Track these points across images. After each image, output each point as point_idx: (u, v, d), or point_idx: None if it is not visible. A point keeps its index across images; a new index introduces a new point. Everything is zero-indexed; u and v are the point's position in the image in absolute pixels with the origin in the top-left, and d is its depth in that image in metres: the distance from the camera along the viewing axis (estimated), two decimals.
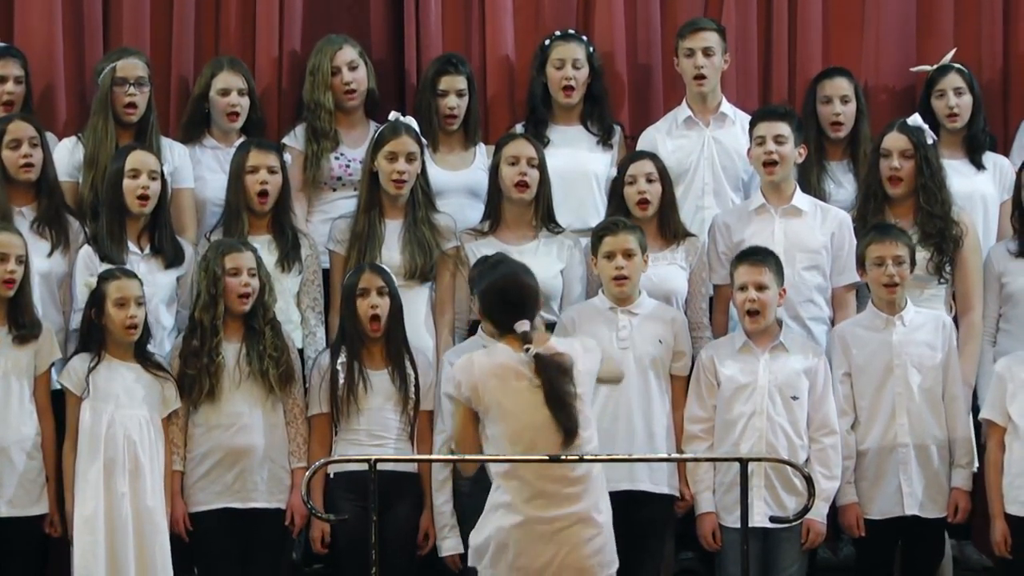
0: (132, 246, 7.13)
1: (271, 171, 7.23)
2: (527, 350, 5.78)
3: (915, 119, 7.37)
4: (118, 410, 6.75)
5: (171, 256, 7.18)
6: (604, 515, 5.87)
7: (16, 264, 6.79)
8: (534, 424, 5.78)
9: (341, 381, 6.87)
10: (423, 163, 7.34)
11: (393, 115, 7.41)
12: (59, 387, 6.91)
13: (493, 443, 5.85)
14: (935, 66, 7.90)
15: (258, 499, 6.90)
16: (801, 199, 7.37)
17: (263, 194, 7.21)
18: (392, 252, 7.22)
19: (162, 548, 6.73)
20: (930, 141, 7.32)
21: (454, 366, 5.99)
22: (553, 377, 5.78)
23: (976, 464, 7.05)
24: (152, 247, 7.17)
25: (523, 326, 5.83)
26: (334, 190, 7.68)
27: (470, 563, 5.95)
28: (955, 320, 7.26)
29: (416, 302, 7.19)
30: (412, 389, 6.92)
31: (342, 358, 6.89)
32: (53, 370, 6.92)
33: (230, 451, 6.86)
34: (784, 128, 7.26)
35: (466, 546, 6.76)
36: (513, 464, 5.80)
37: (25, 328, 6.82)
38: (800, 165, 7.58)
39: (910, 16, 8.28)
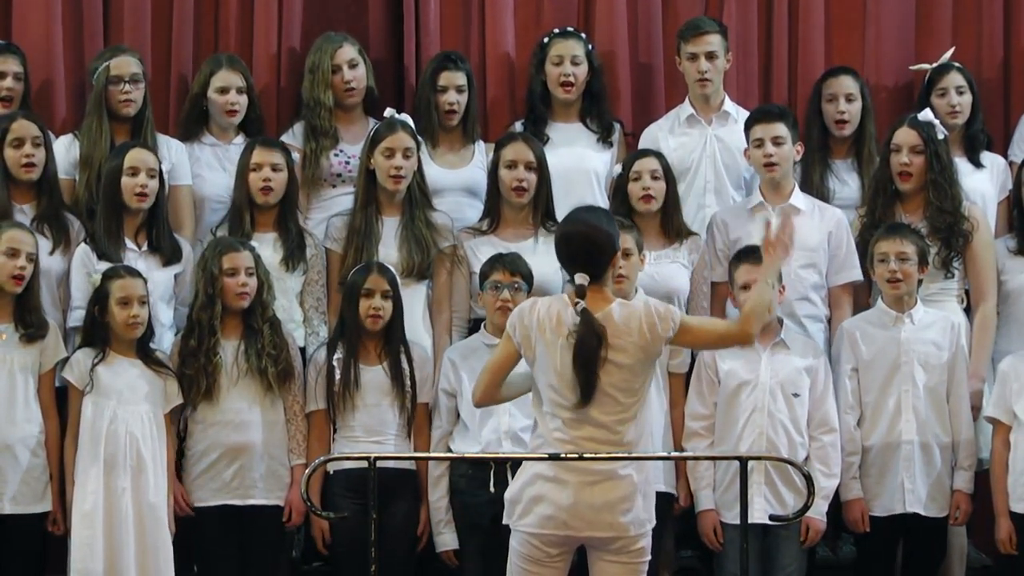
0: (129, 243, 7.14)
1: (275, 168, 7.24)
2: (577, 304, 5.72)
3: (926, 114, 7.36)
4: (120, 406, 6.77)
5: (169, 254, 7.18)
6: (642, 475, 5.82)
7: (26, 261, 6.81)
8: (563, 378, 5.73)
9: (337, 377, 6.87)
10: (419, 160, 7.33)
11: (389, 112, 7.42)
12: (61, 385, 6.91)
13: (538, 397, 5.81)
14: (934, 65, 7.89)
15: (257, 496, 6.91)
16: (799, 197, 7.36)
17: (266, 189, 7.21)
18: (389, 249, 7.22)
19: (164, 544, 6.74)
20: (940, 136, 7.31)
21: (518, 307, 5.91)
22: (588, 337, 5.70)
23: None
24: (149, 245, 7.17)
25: (581, 279, 5.74)
26: (333, 187, 7.68)
27: (504, 520, 5.87)
28: (967, 312, 7.29)
29: (413, 300, 7.17)
30: (408, 384, 6.92)
31: (338, 354, 6.90)
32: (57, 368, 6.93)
33: (229, 448, 6.87)
34: (781, 129, 7.26)
35: (460, 542, 6.82)
36: (553, 420, 5.74)
37: (33, 327, 6.84)
38: (804, 163, 7.58)
39: (910, 15, 8.27)
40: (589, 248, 5.79)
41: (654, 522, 5.88)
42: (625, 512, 5.76)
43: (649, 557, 5.88)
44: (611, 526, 5.76)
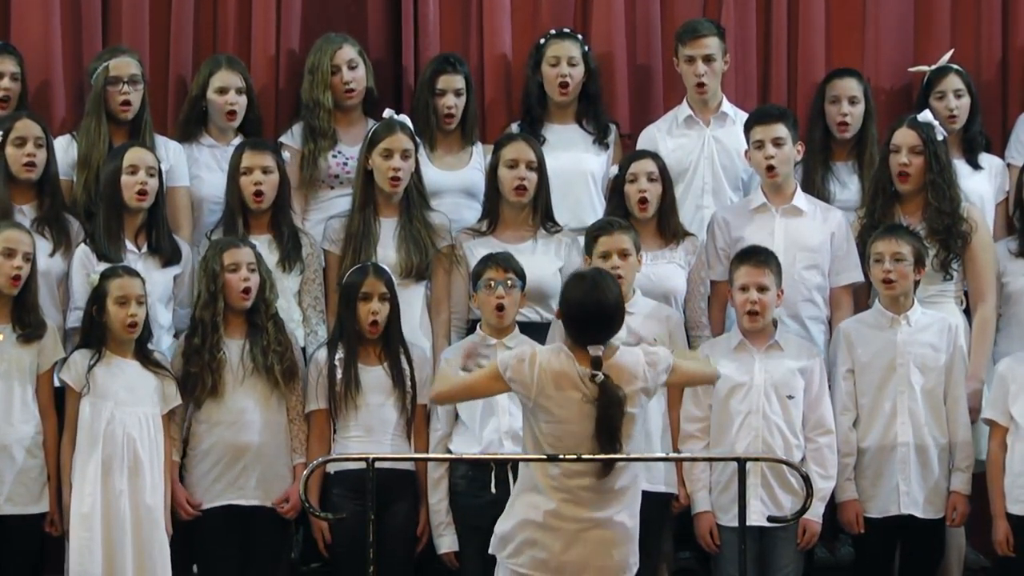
0: (129, 245, 7.14)
1: (265, 171, 7.23)
2: (593, 376, 5.77)
3: (925, 115, 7.36)
4: (118, 407, 6.76)
5: (168, 255, 7.18)
6: (633, 520, 5.92)
7: (23, 261, 6.80)
8: (582, 434, 5.80)
9: (338, 377, 6.87)
10: (417, 161, 7.33)
11: (387, 113, 7.42)
12: (59, 385, 6.91)
13: (534, 438, 5.86)
14: (933, 67, 7.89)
15: (260, 496, 6.90)
16: (801, 199, 7.37)
17: (258, 194, 7.21)
18: (388, 250, 7.22)
19: (161, 546, 6.74)
20: (940, 137, 7.32)
21: (514, 350, 5.96)
22: (610, 406, 5.77)
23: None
24: (149, 246, 7.17)
25: (597, 351, 5.80)
26: (332, 188, 7.68)
27: (492, 551, 5.94)
28: (966, 314, 7.29)
29: (411, 301, 7.19)
30: (409, 384, 6.92)
31: (339, 354, 6.89)
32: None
33: (233, 448, 6.88)
34: (781, 130, 7.26)
35: (461, 544, 6.81)
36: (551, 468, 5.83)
37: (30, 327, 6.83)
38: (805, 165, 7.58)
39: (909, 16, 8.27)
40: (611, 322, 5.88)
41: (638, 565, 5.95)
42: (616, 558, 5.86)
43: None
44: (601, 571, 5.85)
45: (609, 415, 5.77)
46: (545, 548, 5.81)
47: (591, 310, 5.86)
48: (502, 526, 5.92)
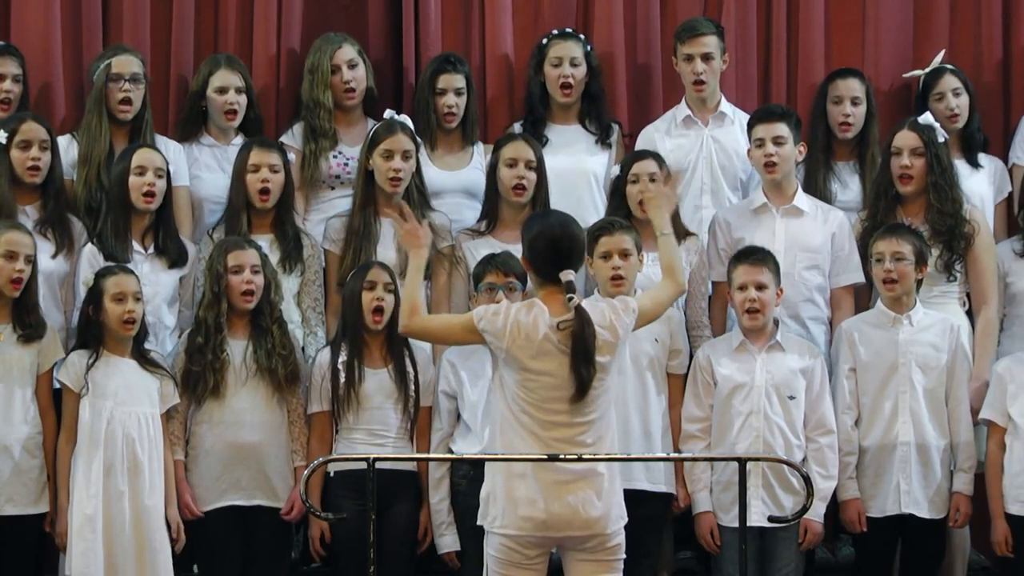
0: (136, 245, 7.14)
1: (273, 169, 7.23)
2: (570, 299, 5.79)
3: (926, 117, 7.37)
4: (117, 407, 6.75)
5: (174, 256, 7.19)
6: (611, 470, 5.89)
7: (24, 263, 6.80)
8: (555, 382, 5.80)
9: (342, 379, 6.87)
10: (418, 162, 7.33)
11: (388, 113, 7.43)
12: (59, 386, 6.90)
13: (504, 387, 5.85)
14: (927, 69, 7.90)
15: (261, 497, 6.90)
16: (802, 199, 7.37)
17: (264, 192, 7.21)
18: (388, 251, 7.23)
19: (163, 546, 6.73)
20: (941, 139, 7.32)
21: (488, 307, 5.96)
22: (585, 332, 5.79)
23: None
24: (156, 247, 7.17)
25: (568, 275, 5.84)
26: (332, 188, 7.68)
27: (479, 521, 5.93)
28: (969, 315, 7.30)
29: None
30: (412, 387, 6.92)
31: (343, 356, 6.89)
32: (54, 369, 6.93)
33: (234, 448, 6.87)
34: (783, 129, 7.27)
35: (462, 544, 6.81)
36: (524, 418, 5.81)
37: (31, 328, 6.82)
38: (806, 165, 7.59)
39: (908, 17, 8.28)
40: (579, 247, 5.95)
41: (626, 519, 5.92)
42: (600, 509, 5.82)
43: (624, 556, 5.91)
44: (587, 524, 5.82)
45: (583, 338, 5.78)
46: (529, 503, 5.78)
47: (557, 234, 5.91)
48: (484, 490, 5.90)
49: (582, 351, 5.78)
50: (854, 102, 7.74)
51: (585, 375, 5.78)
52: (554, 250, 5.89)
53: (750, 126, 7.39)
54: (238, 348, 6.90)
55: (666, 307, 6.18)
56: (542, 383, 5.80)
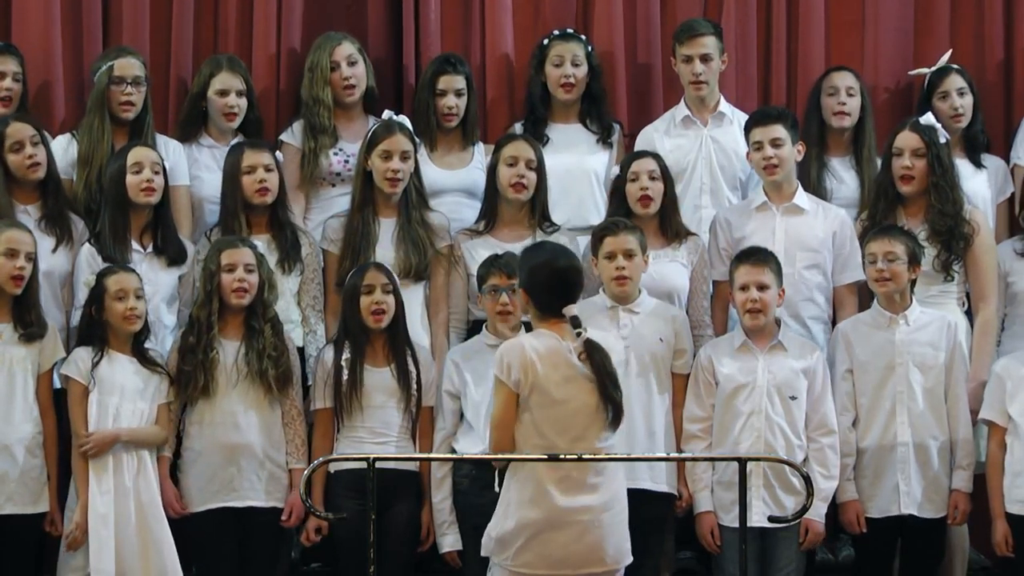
0: (135, 244, 7.14)
1: (267, 169, 7.23)
2: (579, 334, 5.84)
3: (928, 118, 7.38)
4: (123, 403, 6.77)
5: (173, 255, 7.18)
6: (623, 502, 5.97)
7: (25, 261, 6.80)
8: (585, 410, 5.85)
9: (344, 378, 6.87)
10: (416, 162, 7.33)
11: (387, 114, 7.43)
12: (59, 387, 6.90)
13: (528, 428, 5.88)
14: (932, 68, 7.90)
15: (255, 498, 6.89)
16: (803, 198, 7.37)
17: (263, 191, 7.20)
18: (386, 251, 7.22)
19: (168, 540, 6.74)
20: (942, 140, 7.33)
21: (501, 348, 5.97)
22: (604, 360, 5.85)
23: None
24: (155, 246, 7.17)
25: (572, 310, 5.88)
26: (333, 185, 7.68)
27: (486, 553, 5.96)
28: (968, 315, 7.30)
29: (411, 301, 7.16)
30: (414, 386, 6.92)
31: (346, 354, 6.89)
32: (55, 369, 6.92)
33: (226, 449, 6.86)
34: (780, 130, 7.27)
35: (464, 543, 6.81)
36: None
37: (32, 327, 6.83)
38: (801, 161, 7.57)
39: (909, 16, 8.28)
40: (579, 280, 6.01)
41: (629, 553, 6.03)
42: (614, 544, 5.93)
43: None
44: (603, 561, 5.91)
45: (606, 366, 5.85)
46: (548, 544, 5.83)
47: (561, 267, 5.95)
48: (499, 529, 5.93)
49: (608, 377, 5.86)
50: (849, 92, 7.75)
51: (616, 398, 5.87)
52: (556, 282, 5.93)
53: (747, 130, 7.39)
54: (231, 349, 6.90)
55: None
56: (569, 412, 5.85)
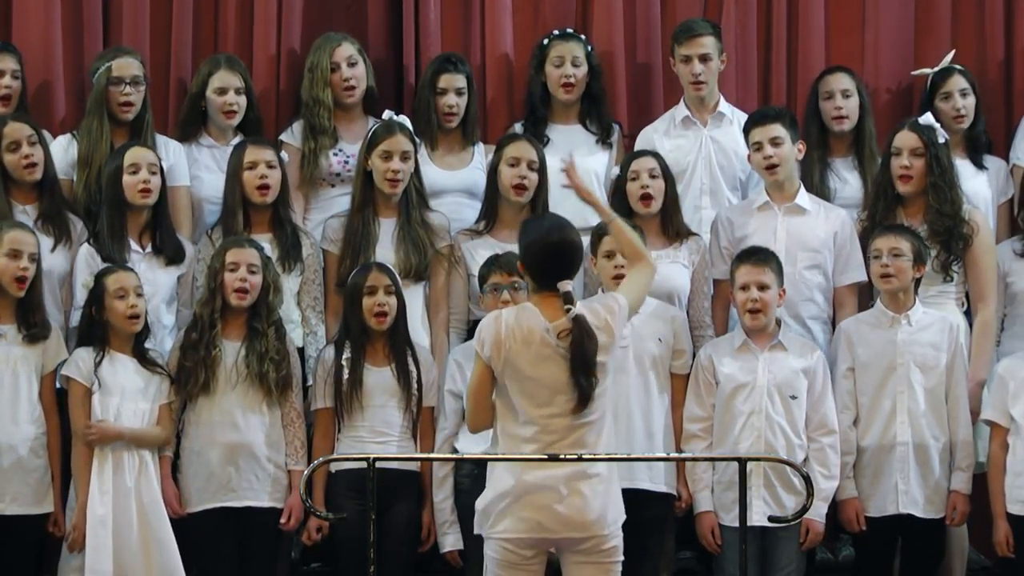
0: (133, 244, 7.13)
1: (269, 166, 7.23)
2: (568, 310, 5.77)
3: (927, 118, 7.37)
4: (124, 403, 6.77)
5: (172, 255, 7.18)
6: (610, 469, 5.88)
7: (29, 262, 6.80)
8: (554, 386, 5.78)
9: (345, 377, 6.86)
10: (416, 162, 7.33)
11: (387, 114, 7.42)
12: (60, 387, 6.90)
13: (503, 399, 5.83)
14: (936, 68, 7.90)
15: (254, 498, 6.89)
16: (804, 198, 7.37)
17: (264, 188, 7.20)
18: (386, 251, 7.22)
19: (169, 540, 6.74)
20: (942, 140, 7.32)
21: (481, 322, 5.94)
22: (585, 341, 5.76)
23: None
24: (153, 246, 7.17)
25: (566, 286, 5.80)
26: (333, 186, 7.68)
27: (477, 529, 5.91)
28: (968, 315, 7.30)
29: (411, 301, 7.15)
30: (415, 386, 6.92)
31: (347, 354, 6.90)
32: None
33: (225, 449, 6.86)
34: (778, 130, 7.26)
35: (466, 543, 6.81)
36: (526, 429, 5.80)
37: (36, 327, 6.83)
38: (803, 163, 7.58)
39: (909, 16, 8.28)
40: (575, 255, 5.92)
41: (623, 518, 5.90)
42: (597, 511, 5.80)
43: (622, 558, 5.88)
44: (584, 526, 5.79)
45: (583, 349, 5.76)
46: (527, 506, 5.77)
47: (555, 241, 5.87)
48: (482, 501, 5.89)
49: (582, 362, 5.76)
50: (844, 94, 7.74)
51: (585, 385, 5.76)
52: (551, 256, 5.87)
53: (746, 131, 7.38)
54: (232, 349, 6.90)
55: (647, 290, 6.11)
56: (544, 389, 5.78)
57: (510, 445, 5.84)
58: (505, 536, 5.80)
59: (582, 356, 5.76)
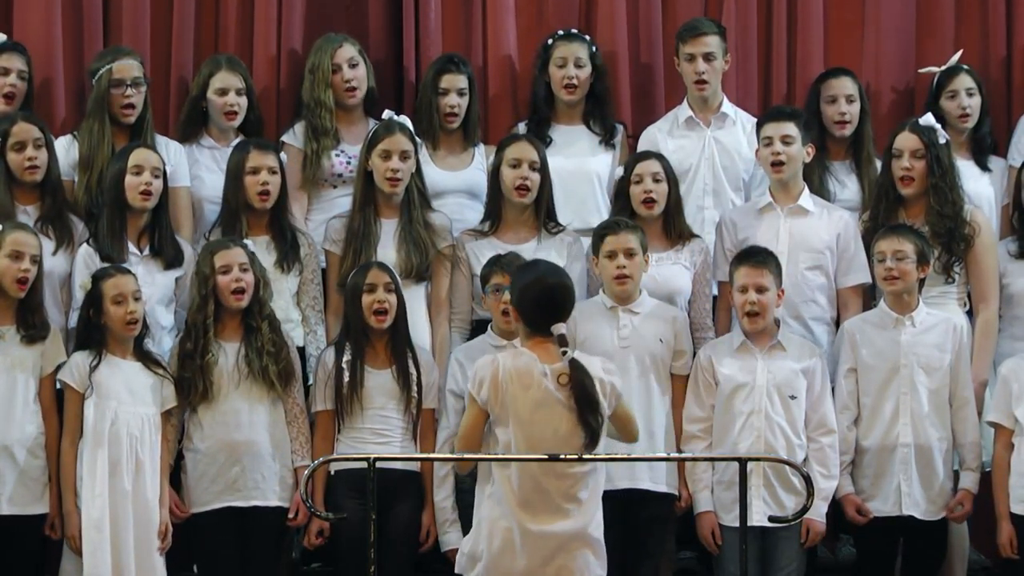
0: (131, 246, 7.13)
1: (271, 171, 7.23)
2: (564, 353, 5.83)
3: (927, 119, 7.36)
4: (120, 407, 6.76)
5: (170, 257, 7.18)
6: (598, 531, 5.96)
7: (30, 263, 6.80)
8: (555, 437, 5.85)
9: (346, 379, 6.86)
10: (418, 162, 7.33)
11: (387, 114, 7.42)
12: (59, 388, 6.90)
13: (501, 450, 5.89)
14: (943, 67, 7.88)
15: (259, 497, 6.89)
16: (808, 199, 7.36)
17: (264, 194, 7.21)
18: (388, 251, 7.22)
19: (156, 546, 6.74)
20: (942, 141, 7.31)
21: (477, 364, 6.00)
22: (586, 382, 5.86)
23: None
24: (152, 248, 7.16)
25: (560, 329, 5.88)
26: (334, 187, 7.69)
27: (459, 569, 5.99)
28: (970, 315, 7.28)
29: (413, 301, 7.15)
30: (415, 388, 6.92)
31: (347, 356, 6.89)
32: None
33: (230, 448, 6.86)
34: (791, 128, 7.26)
35: None
36: (515, 472, 5.86)
37: (35, 328, 6.83)
38: (803, 166, 7.57)
39: (910, 16, 8.28)
40: (568, 299, 6.01)
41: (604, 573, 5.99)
42: (580, 569, 5.90)
43: None
44: None
45: (585, 388, 5.84)
46: (515, 563, 5.84)
47: (550, 284, 5.95)
48: (469, 546, 5.95)
49: (586, 400, 5.86)
50: (848, 100, 7.73)
51: (595, 424, 5.86)
52: (546, 301, 5.94)
53: (759, 126, 7.38)
54: (231, 350, 6.90)
55: (623, 431, 6.14)
56: (537, 434, 5.85)
57: (504, 505, 5.91)
58: None
59: (585, 395, 5.85)
